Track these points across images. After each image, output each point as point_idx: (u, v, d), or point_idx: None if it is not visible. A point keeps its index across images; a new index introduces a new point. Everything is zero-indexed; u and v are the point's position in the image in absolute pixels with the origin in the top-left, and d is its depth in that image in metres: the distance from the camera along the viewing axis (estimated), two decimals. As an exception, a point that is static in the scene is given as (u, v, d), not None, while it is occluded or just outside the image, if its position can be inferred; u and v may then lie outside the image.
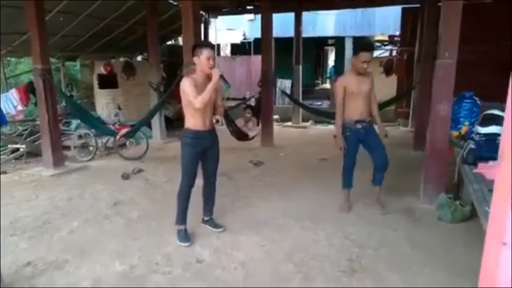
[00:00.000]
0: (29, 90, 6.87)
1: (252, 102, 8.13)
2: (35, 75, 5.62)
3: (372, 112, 3.91)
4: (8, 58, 9.65)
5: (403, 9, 9.14)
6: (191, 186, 3.43)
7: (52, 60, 7.94)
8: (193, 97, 3.08)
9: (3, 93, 6.93)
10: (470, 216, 3.61)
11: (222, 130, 6.85)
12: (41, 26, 5.35)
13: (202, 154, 3.39)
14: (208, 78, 3.20)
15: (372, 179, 4.05)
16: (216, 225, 3.64)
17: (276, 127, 8.49)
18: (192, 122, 3.28)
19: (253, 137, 6.87)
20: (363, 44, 4.01)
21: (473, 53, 6.50)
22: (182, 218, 3.46)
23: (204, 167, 3.53)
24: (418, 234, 3.47)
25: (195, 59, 3.22)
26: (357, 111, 3.76)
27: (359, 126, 3.78)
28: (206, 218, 3.70)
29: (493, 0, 7.49)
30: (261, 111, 7.35)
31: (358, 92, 3.71)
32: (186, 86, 3.13)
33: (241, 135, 6.50)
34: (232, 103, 9.04)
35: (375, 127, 3.96)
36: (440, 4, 4.37)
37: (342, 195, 4.10)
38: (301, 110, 9.60)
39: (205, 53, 3.15)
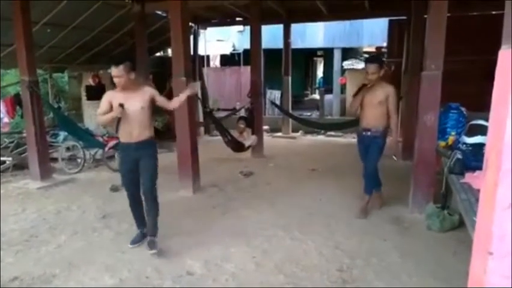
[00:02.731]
0: (15, 102, 6.79)
1: (243, 113, 8.16)
2: (22, 87, 5.56)
3: (391, 125, 4.07)
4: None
5: (390, 21, 9.33)
6: (131, 196, 3.44)
7: (40, 71, 7.86)
8: (99, 112, 3.22)
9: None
10: (459, 225, 3.65)
11: (217, 141, 6.85)
12: (27, 37, 5.31)
13: (136, 166, 3.32)
14: (124, 88, 3.22)
15: (363, 187, 4.26)
16: (148, 245, 3.34)
17: (266, 138, 8.51)
18: (121, 134, 3.35)
19: (249, 147, 6.87)
20: (368, 57, 4.42)
21: (459, 63, 6.65)
22: (137, 222, 3.57)
23: (141, 181, 3.36)
24: (407, 244, 3.49)
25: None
26: (364, 120, 4.06)
27: (364, 133, 4.09)
28: (145, 231, 3.51)
29: (478, 13, 7.71)
30: (254, 121, 7.38)
31: (368, 101, 3.98)
32: (102, 99, 3.26)
33: (237, 146, 6.49)
34: (222, 114, 9.05)
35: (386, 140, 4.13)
36: (426, 16, 4.48)
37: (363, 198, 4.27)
38: (291, 120, 9.67)
39: (111, 70, 3.19)
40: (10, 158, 6.36)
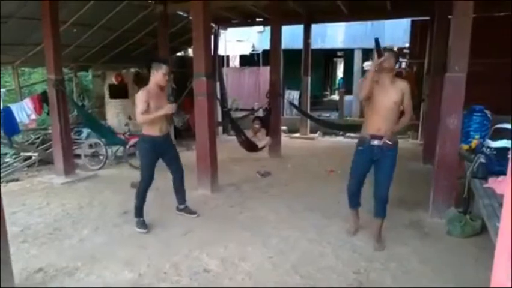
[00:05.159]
0: (42, 100, 7.00)
1: (260, 113, 8.17)
2: (49, 85, 5.74)
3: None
4: (23, 68, 9.86)
5: (413, 22, 9.18)
6: (149, 185, 3.87)
7: (65, 70, 8.09)
8: (139, 112, 3.53)
9: (17, 102, 7.08)
10: (481, 230, 3.56)
11: (235, 141, 6.89)
12: (55, 37, 5.49)
13: (162, 157, 3.89)
14: (161, 89, 3.70)
15: (374, 209, 3.53)
16: (190, 212, 4.21)
17: (284, 138, 8.51)
18: (149, 129, 3.69)
19: (262, 147, 6.88)
20: (386, 47, 3.78)
21: (484, 66, 6.49)
22: (140, 212, 3.93)
23: (169, 167, 4.06)
24: (427, 249, 3.43)
25: (152, 72, 3.65)
26: (375, 125, 3.25)
27: (374, 142, 3.26)
28: (181, 207, 4.24)
29: (504, 14, 7.49)
30: (270, 122, 7.38)
31: (380, 102, 3.19)
32: (138, 99, 3.56)
33: (250, 146, 6.51)
34: (240, 114, 9.10)
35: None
36: (450, 17, 4.39)
37: (350, 215, 3.80)
38: (309, 121, 9.62)
39: (163, 68, 3.64)
40: (36, 154, 6.59)
